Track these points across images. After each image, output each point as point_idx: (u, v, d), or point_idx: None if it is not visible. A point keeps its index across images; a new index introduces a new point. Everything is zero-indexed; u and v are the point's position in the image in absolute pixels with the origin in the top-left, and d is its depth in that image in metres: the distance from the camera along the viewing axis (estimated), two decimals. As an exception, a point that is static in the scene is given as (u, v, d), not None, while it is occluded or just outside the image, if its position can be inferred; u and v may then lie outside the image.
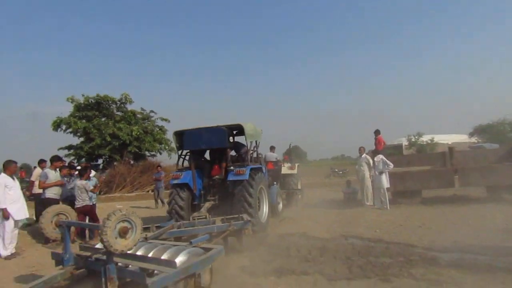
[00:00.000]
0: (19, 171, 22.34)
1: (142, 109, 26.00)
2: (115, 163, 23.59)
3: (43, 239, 7.49)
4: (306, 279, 4.44)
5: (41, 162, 9.42)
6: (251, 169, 7.72)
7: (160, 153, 26.28)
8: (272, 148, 12.20)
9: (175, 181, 7.91)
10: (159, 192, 13.89)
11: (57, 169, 7.93)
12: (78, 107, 23.94)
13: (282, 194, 10.64)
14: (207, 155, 9.08)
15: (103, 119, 24.35)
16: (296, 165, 12.24)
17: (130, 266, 3.97)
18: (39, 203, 8.04)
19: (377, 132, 11.55)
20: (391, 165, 10.10)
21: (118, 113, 25.25)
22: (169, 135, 26.80)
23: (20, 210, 6.66)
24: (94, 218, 7.90)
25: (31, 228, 8.87)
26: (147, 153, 26.20)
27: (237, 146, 8.89)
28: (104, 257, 3.70)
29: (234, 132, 8.80)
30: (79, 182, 7.67)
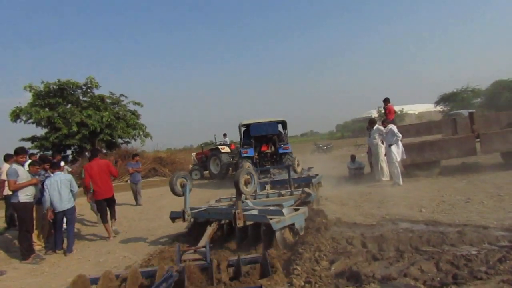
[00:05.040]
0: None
1: (111, 93, 23.91)
2: (86, 153, 21.65)
3: (20, 253, 6.04)
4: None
5: (9, 158, 7.61)
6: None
7: (135, 140, 24.46)
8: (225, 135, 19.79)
9: (245, 155, 12.22)
10: (137, 185, 11.61)
11: (24, 164, 6.41)
12: (38, 95, 21.56)
13: None
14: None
15: (68, 106, 22.13)
16: None
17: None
18: (12, 208, 6.46)
19: (386, 101, 10.61)
20: (399, 136, 9.11)
21: (85, 99, 23.06)
22: (144, 120, 25.00)
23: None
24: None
25: (2, 238, 7.32)
26: (119, 140, 24.31)
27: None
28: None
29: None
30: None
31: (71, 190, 6.53)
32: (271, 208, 5.36)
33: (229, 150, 17.30)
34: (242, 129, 13.36)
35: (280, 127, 13.46)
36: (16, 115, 20.81)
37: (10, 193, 6.16)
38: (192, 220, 5.86)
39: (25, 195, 5.89)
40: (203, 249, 4.24)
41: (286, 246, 4.72)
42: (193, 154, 20.59)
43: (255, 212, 5.13)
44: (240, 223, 4.81)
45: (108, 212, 7.48)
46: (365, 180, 10.61)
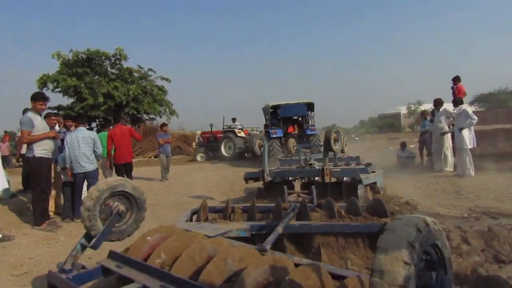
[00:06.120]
0: (2, 135, 19.69)
1: (139, 66, 23.14)
2: (110, 126, 21.07)
3: (32, 218, 5.15)
4: None
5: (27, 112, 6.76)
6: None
7: (160, 116, 23.69)
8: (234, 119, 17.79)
9: (274, 135, 12.47)
10: (168, 158, 10.60)
11: (42, 115, 5.47)
12: (66, 64, 21.00)
13: None
14: None
15: (95, 77, 21.50)
16: None
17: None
18: (26, 163, 5.58)
19: (456, 79, 9.17)
20: (475, 118, 7.71)
21: (113, 70, 22.41)
22: (170, 97, 24.18)
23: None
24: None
25: (15, 200, 6.50)
26: (145, 116, 23.61)
27: None
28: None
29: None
30: None
31: (94, 151, 5.60)
32: (354, 166, 5.86)
33: (244, 135, 16.56)
34: (270, 111, 13.54)
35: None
36: (43, 83, 20.33)
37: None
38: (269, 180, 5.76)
39: (42, 149, 4.96)
40: (303, 195, 4.87)
41: (365, 202, 4.66)
42: (198, 132, 19.44)
43: (337, 169, 5.28)
44: (327, 179, 4.95)
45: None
46: (420, 171, 9.32)
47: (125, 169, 7.41)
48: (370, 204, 3.65)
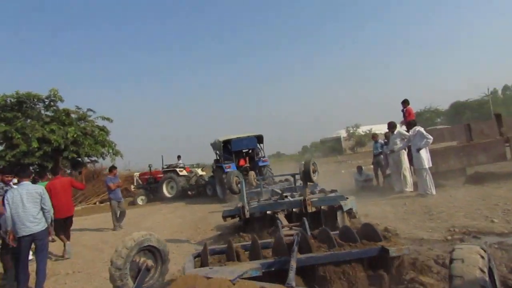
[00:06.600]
0: None
1: (77, 107, 21.62)
2: (48, 174, 19.28)
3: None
4: None
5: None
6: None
7: (103, 158, 22.17)
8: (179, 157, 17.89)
9: (229, 169, 11.50)
10: (120, 203, 9.66)
11: None
12: (-7, 109, 19.15)
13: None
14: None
15: (28, 121, 19.76)
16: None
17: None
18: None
19: (405, 102, 9.60)
20: (430, 138, 8.00)
21: (47, 113, 20.77)
22: (113, 137, 22.85)
23: None
24: None
25: None
26: (86, 158, 22.00)
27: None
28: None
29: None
30: None
31: (42, 208, 4.85)
32: (332, 195, 5.78)
33: (186, 173, 16.45)
34: (222, 145, 13.46)
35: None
36: (-36, 131, 18.24)
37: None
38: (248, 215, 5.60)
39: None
40: (296, 227, 4.61)
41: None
42: (136, 174, 18.77)
43: (315, 199, 5.33)
44: (309, 209, 5.02)
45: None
46: (379, 193, 9.47)
47: (65, 224, 7.09)
48: (361, 229, 3.79)
